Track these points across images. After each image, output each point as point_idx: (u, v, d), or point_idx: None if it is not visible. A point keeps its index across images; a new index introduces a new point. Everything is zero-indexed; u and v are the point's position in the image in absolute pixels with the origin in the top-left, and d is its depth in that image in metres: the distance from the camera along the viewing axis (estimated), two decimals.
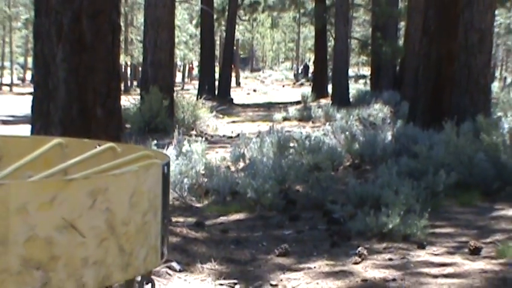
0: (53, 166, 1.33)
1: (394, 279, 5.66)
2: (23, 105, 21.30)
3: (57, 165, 1.34)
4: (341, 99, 25.53)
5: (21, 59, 53.31)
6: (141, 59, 21.60)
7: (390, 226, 6.95)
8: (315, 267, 6.14)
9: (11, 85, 45.56)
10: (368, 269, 5.98)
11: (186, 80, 52.58)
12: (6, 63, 49.47)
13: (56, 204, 0.99)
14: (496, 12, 17.30)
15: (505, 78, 46.47)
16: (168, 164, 1.20)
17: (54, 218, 0.99)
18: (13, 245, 0.97)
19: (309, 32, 54.81)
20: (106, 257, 1.05)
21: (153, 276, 1.27)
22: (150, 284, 1.28)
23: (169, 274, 5.71)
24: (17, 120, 19.48)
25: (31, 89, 8.85)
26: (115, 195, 1.05)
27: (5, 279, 0.97)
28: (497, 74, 50.25)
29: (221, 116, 20.94)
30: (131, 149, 1.39)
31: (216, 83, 33.16)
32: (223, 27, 35.63)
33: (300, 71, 59.13)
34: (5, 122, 19.55)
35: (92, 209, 1.03)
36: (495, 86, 22.50)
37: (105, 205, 1.04)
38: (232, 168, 10.46)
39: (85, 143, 1.46)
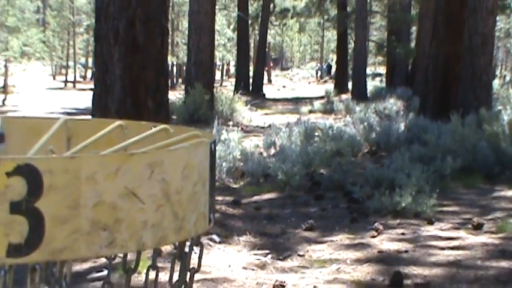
0: (115, 145, 1.35)
1: (406, 251, 5.64)
2: (84, 99, 21.51)
3: (119, 143, 1.35)
4: (360, 95, 25.43)
5: (83, 60, 53.65)
6: (185, 60, 21.62)
7: (403, 205, 6.94)
8: (337, 240, 6.14)
9: (74, 82, 45.93)
10: (383, 242, 5.97)
11: (224, 77, 52.61)
12: (70, 63, 49.86)
13: (120, 175, 1.00)
14: (497, 18, 17.10)
15: (505, 76, 45.98)
16: (214, 143, 1.20)
17: (118, 187, 1.00)
18: (84, 209, 0.98)
19: (332, 35, 54.52)
20: (162, 221, 1.06)
21: (195, 248, 1.28)
22: (199, 247, 1.29)
23: (210, 245, 5.74)
24: (79, 112, 19.65)
25: (91, 85, 8.93)
26: (170, 168, 1.06)
27: (77, 238, 0.98)
28: (497, 72, 49.66)
29: (255, 108, 20.92)
30: (182, 130, 1.40)
31: (251, 80, 33.18)
32: (257, 32, 35.57)
33: (322, 70, 58.85)
34: (69, 114, 19.73)
35: (150, 180, 1.03)
36: (496, 83, 22.26)
37: (161, 176, 1.05)
38: (265, 154, 10.47)
39: (142, 125, 1.47)
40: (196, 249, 1.30)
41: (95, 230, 0.99)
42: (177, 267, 1.29)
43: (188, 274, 1.30)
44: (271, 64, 61.16)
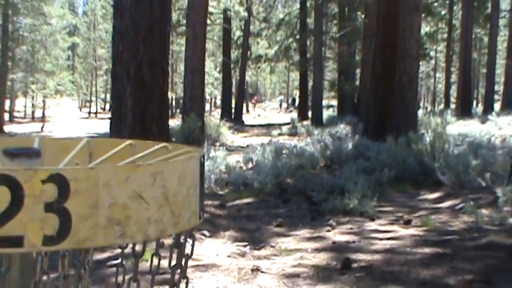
0: (126, 158, 1.35)
1: (353, 241, 5.66)
2: (104, 126, 21.38)
3: (129, 158, 1.36)
4: (317, 121, 25.51)
5: (102, 95, 53.49)
6: (182, 94, 21.56)
7: (351, 206, 6.97)
8: (300, 234, 6.15)
9: (96, 113, 45.75)
10: (336, 235, 5.98)
11: (212, 108, 52.51)
12: (93, 98, 49.78)
13: (129, 182, 1.00)
14: (420, 63, 17.29)
15: (427, 107, 46.56)
16: (203, 156, 1.20)
17: (128, 191, 1.00)
18: (101, 209, 0.98)
19: (295, 75, 54.55)
20: (162, 217, 1.05)
21: (189, 239, 1.28)
22: (191, 238, 1.29)
23: (201, 238, 5.72)
24: (99, 136, 19.49)
25: (109, 115, 8.89)
26: (168, 176, 1.06)
27: (96, 231, 0.98)
28: (421, 104, 50.24)
29: (236, 132, 20.90)
30: (178, 147, 1.40)
31: (233, 110, 33.20)
32: (238, 73, 35.63)
33: (285, 103, 59.66)
34: (91, 137, 19.57)
35: (153, 185, 1.03)
36: (420, 112, 22.41)
37: (162, 182, 1.04)
38: (244, 168, 10.46)
39: (147, 144, 1.47)
40: (189, 240, 1.30)
41: (110, 224, 0.98)
42: (175, 255, 1.29)
43: (183, 259, 1.29)
44: (256, 98, 61.77)
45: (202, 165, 1.18)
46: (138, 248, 1.29)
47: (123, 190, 1.00)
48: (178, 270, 1.29)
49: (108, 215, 0.99)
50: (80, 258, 1.42)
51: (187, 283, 1.31)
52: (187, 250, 1.30)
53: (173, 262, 1.28)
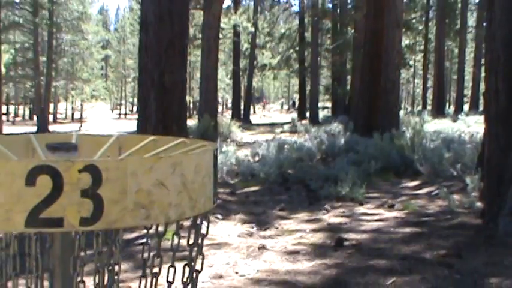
0: (150, 152, 1.34)
1: (345, 223, 5.65)
2: (132, 126, 21.38)
3: (152, 151, 1.35)
4: (314, 120, 25.45)
5: (130, 99, 53.61)
6: (198, 98, 21.54)
7: (343, 193, 6.95)
8: (299, 217, 6.14)
9: (125, 114, 45.88)
10: (331, 218, 5.97)
11: (224, 110, 52.48)
12: (123, 102, 49.90)
13: (153, 171, 1.00)
14: (401, 70, 17.19)
15: (407, 108, 46.33)
16: (216, 149, 1.20)
17: (152, 179, 1.00)
18: (129, 194, 0.97)
19: (295, 81, 54.37)
20: (181, 202, 1.05)
21: (204, 221, 1.28)
22: (207, 220, 1.28)
23: (215, 221, 5.72)
24: (128, 134, 19.52)
25: (136, 116, 8.91)
26: (186, 166, 1.05)
27: (125, 213, 0.97)
28: (402, 106, 50.01)
29: (244, 130, 20.88)
30: (195, 142, 1.40)
31: (242, 111, 33.15)
32: (246, 79, 35.57)
33: (286, 105, 60.16)
34: (121, 134, 19.58)
35: (173, 174, 1.03)
36: (402, 113, 22.30)
37: (181, 172, 1.04)
38: (251, 160, 10.44)
39: (168, 139, 1.47)
40: (205, 222, 1.29)
41: (137, 208, 0.98)
42: (193, 235, 1.29)
43: (200, 239, 1.29)
44: (265, 101, 62.28)
45: (215, 157, 1.18)
46: (160, 228, 1.28)
47: (147, 178, 0.99)
48: (196, 248, 1.28)
49: (135, 200, 0.98)
50: (112, 237, 1.42)
51: (203, 259, 1.30)
52: (203, 231, 1.29)
53: (191, 241, 1.28)
